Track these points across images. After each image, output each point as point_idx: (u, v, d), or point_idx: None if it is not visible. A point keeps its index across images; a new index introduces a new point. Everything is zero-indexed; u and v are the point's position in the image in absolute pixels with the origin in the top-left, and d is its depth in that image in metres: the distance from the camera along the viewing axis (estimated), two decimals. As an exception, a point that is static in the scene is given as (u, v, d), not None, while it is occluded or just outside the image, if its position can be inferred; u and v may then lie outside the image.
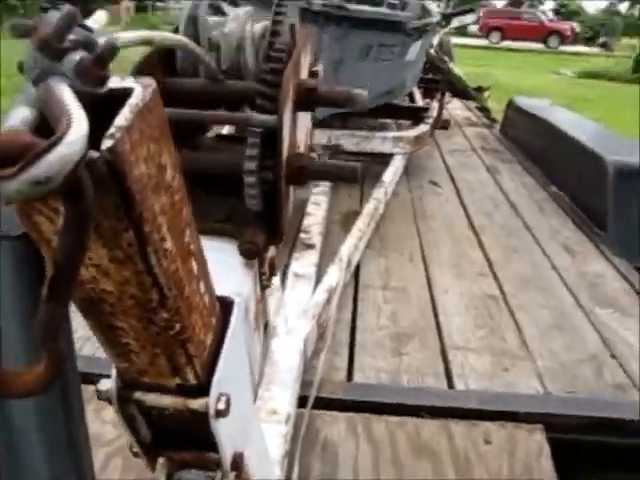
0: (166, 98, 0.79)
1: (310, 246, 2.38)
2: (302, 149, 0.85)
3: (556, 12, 37.13)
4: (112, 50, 0.40)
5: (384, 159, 3.61)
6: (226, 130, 1.20)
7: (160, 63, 0.82)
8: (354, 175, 0.77)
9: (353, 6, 3.16)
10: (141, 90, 0.42)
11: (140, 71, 0.77)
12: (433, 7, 5.05)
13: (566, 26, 28.01)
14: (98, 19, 0.53)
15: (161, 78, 0.83)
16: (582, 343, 2.12)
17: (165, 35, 0.66)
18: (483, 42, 25.03)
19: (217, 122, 0.79)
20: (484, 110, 5.84)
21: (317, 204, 2.80)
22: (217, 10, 0.98)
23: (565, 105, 8.48)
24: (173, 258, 0.51)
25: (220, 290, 0.69)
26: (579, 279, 2.62)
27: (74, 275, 0.38)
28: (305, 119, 0.89)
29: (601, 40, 29.79)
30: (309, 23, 3.05)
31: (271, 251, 0.84)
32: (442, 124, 4.37)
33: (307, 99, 0.79)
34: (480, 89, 5.54)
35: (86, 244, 0.38)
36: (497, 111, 5.93)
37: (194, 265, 0.56)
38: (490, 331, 2.16)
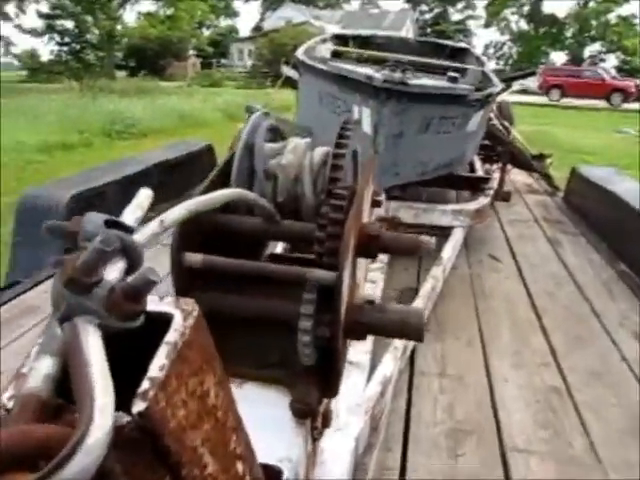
0: (221, 236, 0.76)
1: (365, 331, 2.31)
2: (361, 290, 0.81)
3: (619, 69, 36.72)
4: (146, 285, 0.36)
5: (443, 231, 3.54)
6: (279, 248, 1.17)
7: None
8: (419, 333, 0.71)
9: (414, 81, 3.15)
10: (181, 320, 0.38)
11: None
12: (491, 69, 5.02)
13: (630, 83, 27.42)
14: (141, 202, 0.50)
15: (216, 216, 0.81)
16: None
17: (215, 197, 0.63)
18: (542, 99, 24.83)
19: (272, 276, 0.75)
20: (546, 177, 5.70)
21: (373, 282, 2.74)
22: (276, 133, 0.96)
23: (628, 165, 8.25)
24: (215, 477, 0.46)
25: (268, 455, 0.65)
26: (654, 374, 2.45)
27: None
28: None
29: (666, 98, 29.07)
30: (370, 98, 3.07)
31: (325, 403, 0.79)
32: (503, 196, 4.28)
33: (369, 246, 0.74)
34: (542, 157, 5.42)
35: None
36: (559, 176, 5.79)
37: (240, 467, 0.52)
38: (554, 432, 2.02)
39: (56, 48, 31.96)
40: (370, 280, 2.75)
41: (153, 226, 0.48)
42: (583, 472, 1.82)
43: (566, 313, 2.98)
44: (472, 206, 3.73)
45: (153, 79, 25.60)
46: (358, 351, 2.18)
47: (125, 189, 3.97)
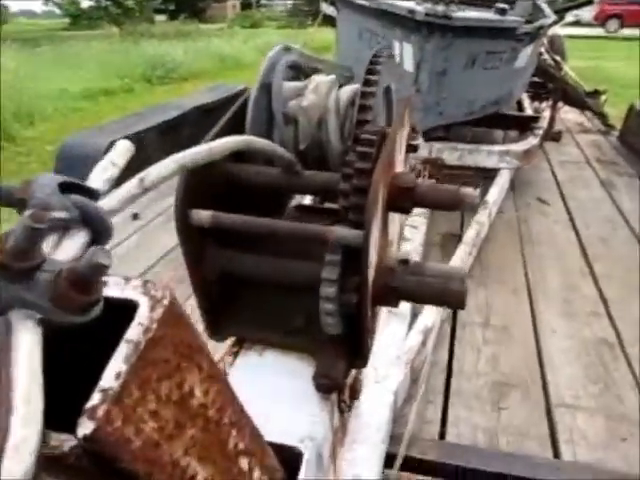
0: (234, 189, 0.68)
1: (406, 279, 2.23)
2: (394, 249, 0.72)
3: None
4: (96, 270, 0.28)
5: (489, 173, 3.39)
6: (308, 200, 1.09)
7: None
8: (460, 300, 0.63)
9: (458, 14, 2.95)
10: (147, 311, 0.30)
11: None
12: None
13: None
14: (122, 151, 0.42)
15: (227, 165, 0.72)
16: None
17: (215, 146, 0.53)
18: (598, 31, 23.35)
19: (291, 234, 0.67)
20: (600, 115, 5.36)
21: (415, 227, 2.64)
22: (298, 70, 0.86)
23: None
24: None
25: (289, 434, 0.58)
26: None
27: None
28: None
29: None
30: (412, 34, 2.90)
31: (353, 374, 0.72)
32: (553, 136, 4.04)
33: (402, 199, 0.65)
34: (596, 93, 5.09)
35: None
36: (614, 114, 5.45)
37: (244, 462, 0.45)
38: (604, 387, 1.92)
39: (95, -6, 31.67)
40: (412, 225, 2.66)
41: (129, 187, 0.39)
42: (634, 429, 1.73)
43: (619, 260, 2.83)
44: (520, 147, 3.54)
45: (193, 22, 25.29)
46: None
47: (163, 134, 3.95)
